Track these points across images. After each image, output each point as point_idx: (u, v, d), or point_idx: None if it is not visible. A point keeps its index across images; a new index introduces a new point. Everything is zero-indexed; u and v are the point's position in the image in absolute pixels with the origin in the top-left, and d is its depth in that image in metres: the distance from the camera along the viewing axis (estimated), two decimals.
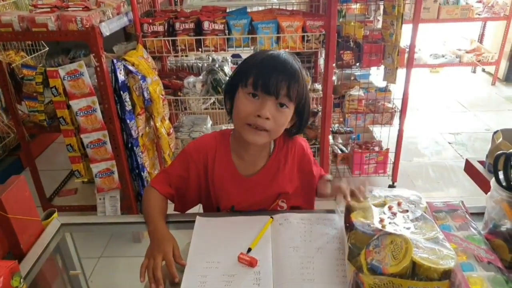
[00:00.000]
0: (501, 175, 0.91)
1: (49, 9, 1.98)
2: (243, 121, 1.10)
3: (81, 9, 1.99)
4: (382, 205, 0.95)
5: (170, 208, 1.27)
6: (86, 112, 2.03)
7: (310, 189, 1.33)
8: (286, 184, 1.26)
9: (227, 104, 1.20)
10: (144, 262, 1.02)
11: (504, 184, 0.89)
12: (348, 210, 0.98)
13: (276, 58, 1.11)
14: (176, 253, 1.04)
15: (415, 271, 0.74)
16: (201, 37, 2.44)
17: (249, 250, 1.03)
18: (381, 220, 0.88)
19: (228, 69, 2.82)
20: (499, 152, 0.92)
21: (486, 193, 0.98)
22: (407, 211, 0.92)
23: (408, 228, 0.85)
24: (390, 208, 0.93)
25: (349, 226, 0.94)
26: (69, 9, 1.99)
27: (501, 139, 1.24)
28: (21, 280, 0.88)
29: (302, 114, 1.17)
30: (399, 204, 0.94)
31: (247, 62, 1.14)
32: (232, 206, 1.24)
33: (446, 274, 0.74)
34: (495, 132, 1.30)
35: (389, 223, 0.87)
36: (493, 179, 0.93)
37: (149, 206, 1.20)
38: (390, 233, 0.81)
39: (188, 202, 1.30)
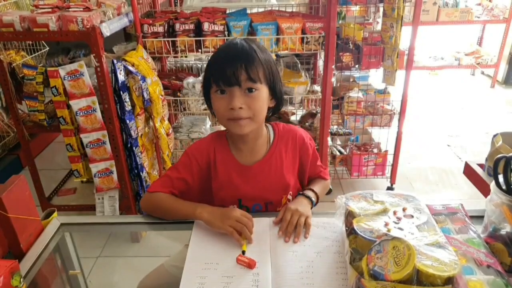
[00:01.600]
0: (501, 178, 0.91)
1: (50, 10, 1.99)
2: (223, 118, 1.15)
3: (82, 9, 1.99)
4: (385, 211, 0.95)
5: None
6: (86, 112, 2.03)
7: (303, 180, 1.34)
8: (289, 175, 1.27)
9: (208, 105, 1.23)
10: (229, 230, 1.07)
11: (504, 187, 0.89)
12: (350, 215, 0.97)
13: (227, 48, 1.14)
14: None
15: (418, 277, 0.74)
16: (201, 38, 2.44)
17: (243, 252, 1.03)
18: (386, 224, 0.88)
19: None
20: (499, 156, 0.92)
21: (485, 196, 0.98)
22: (412, 216, 0.91)
23: (412, 233, 0.85)
24: (395, 213, 0.93)
25: (350, 230, 0.94)
26: (70, 9, 1.99)
27: (500, 142, 1.24)
28: (21, 279, 0.88)
29: (274, 90, 1.18)
30: (404, 209, 0.94)
31: (208, 62, 1.17)
32: (239, 199, 1.24)
33: (450, 281, 0.74)
34: (494, 135, 1.30)
35: (394, 227, 0.87)
36: (493, 182, 0.93)
37: (168, 202, 1.18)
38: (392, 238, 0.80)
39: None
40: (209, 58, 1.21)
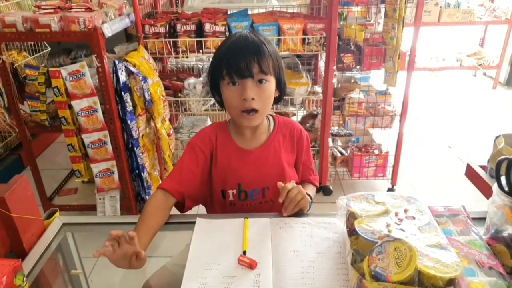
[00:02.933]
0: (503, 180, 0.90)
1: (52, 10, 1.99)
2: (236, 110, 1.18)
3: (83, 10, 2.00)
4: (386, 212, 0.95)
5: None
6: (87, 112, 2.04)
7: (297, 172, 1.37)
8: (286, 163, 1.31)
9: (216, 97, 1.27)
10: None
11: (506, 189, 0.89)
12: (352, 216, 0.97)
13: (238, 41, 1.17)
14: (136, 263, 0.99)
15: (420, 279, 0.74)
16: (202, 39, 2.45)
17: (244, 253, 1.03)
18: (388, 225, 0.88)
19: None
20: (501, 157, 0.92)
21: (487, 198, 0.98)
22: (413, 217, 0.92)
23: (414, 235, 0.85)
24: (396, 214, 0.93)
25: (351, 231, 0.94)
26: (72, 10, 1.99)
27: (503, 144, 1.24)
28: (24, 278, 0.88)
29: (280, 80, 1.23)
30: (405, 211, 0.94)
31: (217, 54, 1.20)
32: (239, 184, 1.27)
33: (452, 282, 0.74)
34: (496, 137, 1.30)
35: (396, 228, 0.87)
36: (495, 184, 0.92)
37: (142, 218, 1.14)
38: (393, 240, 0.80)
39: (198, 198, 1.32)
40: (214, 53, 1.24)
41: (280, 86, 1.25)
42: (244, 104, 1.15)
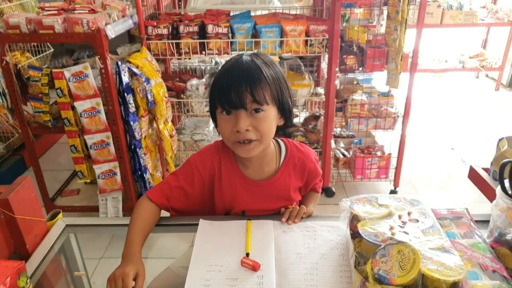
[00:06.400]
0: (506, 183, 0.90)
1: (56, 12, 2.00)
2: (230, 140, 1.10)
3: (87, 11, 2.00)
4: (390, 214, 0.95)
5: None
6: (90, 113, 2.04)
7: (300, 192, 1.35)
8: (295, 193, 1.27)
9: (215, 122, 1.18)
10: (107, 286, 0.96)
11: (510, 192, 0.89)
12: (355, 218, 0.97)
13: (232, 68, 1.07)
14: (139, 281, 0.99)
15: (423, 282, 0.74)
16: (205, 40, 2.45)
17: (247, 255, 1.03)
18: (391, 228, 0.88)
19: None
20: (505, 160, 0.92)
21: (490, 201, 0.98)
22: (417, 220, 0.91)
23: (418, 238, 0.85)
24: (400, 217, 0.93)
25: (355, 234, 0.94)
26: (75, 11, 2.00)
27: (506, 146, 1.23)
28: (28, 280, 0.88)
29: (284, 108, 1.11)
30: (409, 214, 0.94)
31: (214, 79, 1.10)
32: (243, 211, 1.23)
33: (455, 286, 0.74)
34: (500, 140, 1.29)
35: (399, 231, 0.87)
36: (499, 187, 0.92)
37: (132, 225, 1.14)
38: (397, 242, 0.80)
39: (185, 213, 1.27)
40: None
41: (284, 113, 1.12)
42: (238, 136, 1.06)
